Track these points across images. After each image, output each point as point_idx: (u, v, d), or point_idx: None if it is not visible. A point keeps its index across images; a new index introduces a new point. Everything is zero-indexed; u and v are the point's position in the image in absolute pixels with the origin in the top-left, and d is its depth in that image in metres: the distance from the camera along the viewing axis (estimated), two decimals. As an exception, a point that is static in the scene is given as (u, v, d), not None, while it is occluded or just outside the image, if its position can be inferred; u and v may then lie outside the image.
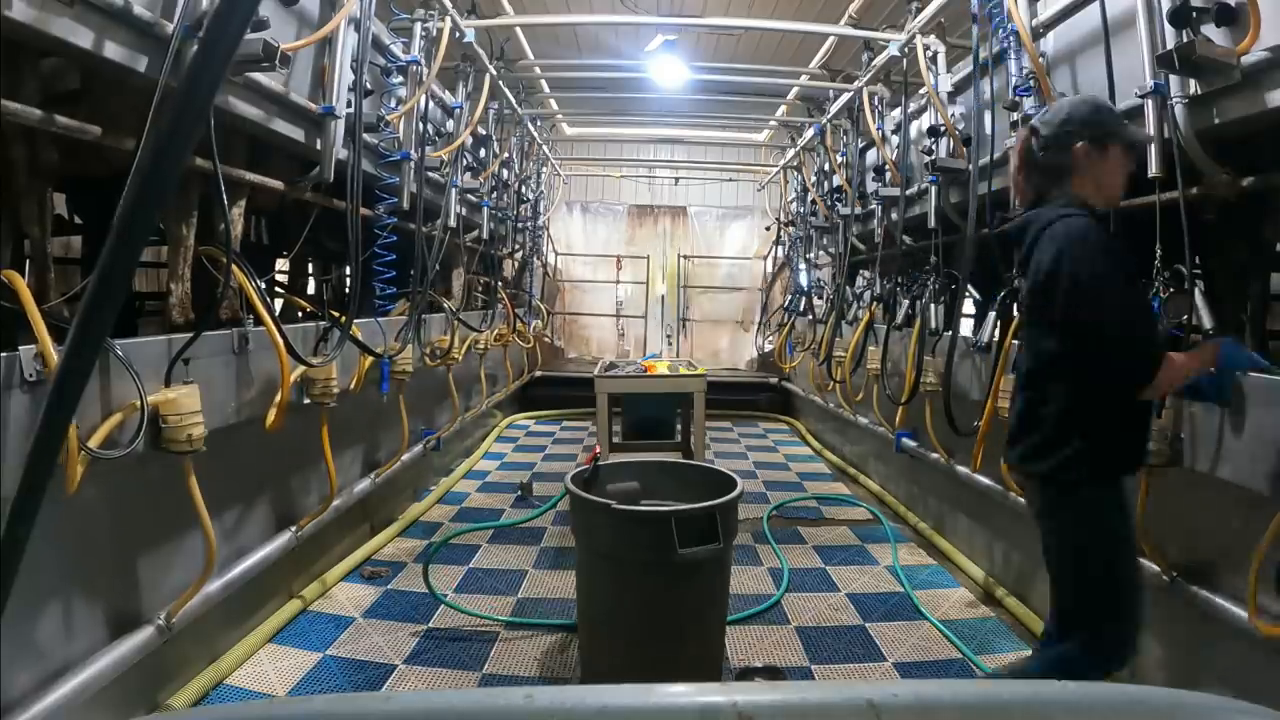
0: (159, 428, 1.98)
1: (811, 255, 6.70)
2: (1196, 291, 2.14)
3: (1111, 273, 1.65)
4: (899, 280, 4.59)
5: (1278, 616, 1.84)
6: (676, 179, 9.92)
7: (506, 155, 5.86)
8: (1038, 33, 2.85)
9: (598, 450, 2.64)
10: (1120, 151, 1.78)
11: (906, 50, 4.03)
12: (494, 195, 5.53)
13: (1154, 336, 1.80)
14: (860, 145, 5.21)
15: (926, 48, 3.80)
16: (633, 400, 5.33)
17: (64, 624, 1.87)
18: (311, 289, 4.68)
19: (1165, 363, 1.64)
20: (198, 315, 2.26)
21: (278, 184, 2.72)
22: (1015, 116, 2.87)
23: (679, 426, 5.45)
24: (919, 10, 3.87)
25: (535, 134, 6.96)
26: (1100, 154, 1.74)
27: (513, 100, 5.68)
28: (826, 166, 5.94)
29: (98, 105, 1.94)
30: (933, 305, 3.88)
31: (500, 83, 5.12)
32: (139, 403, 1.89)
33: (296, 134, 2.68)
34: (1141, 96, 2.21)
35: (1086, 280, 1.64)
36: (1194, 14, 1.98)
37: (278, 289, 3.78)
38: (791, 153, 7.27)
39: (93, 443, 1.74)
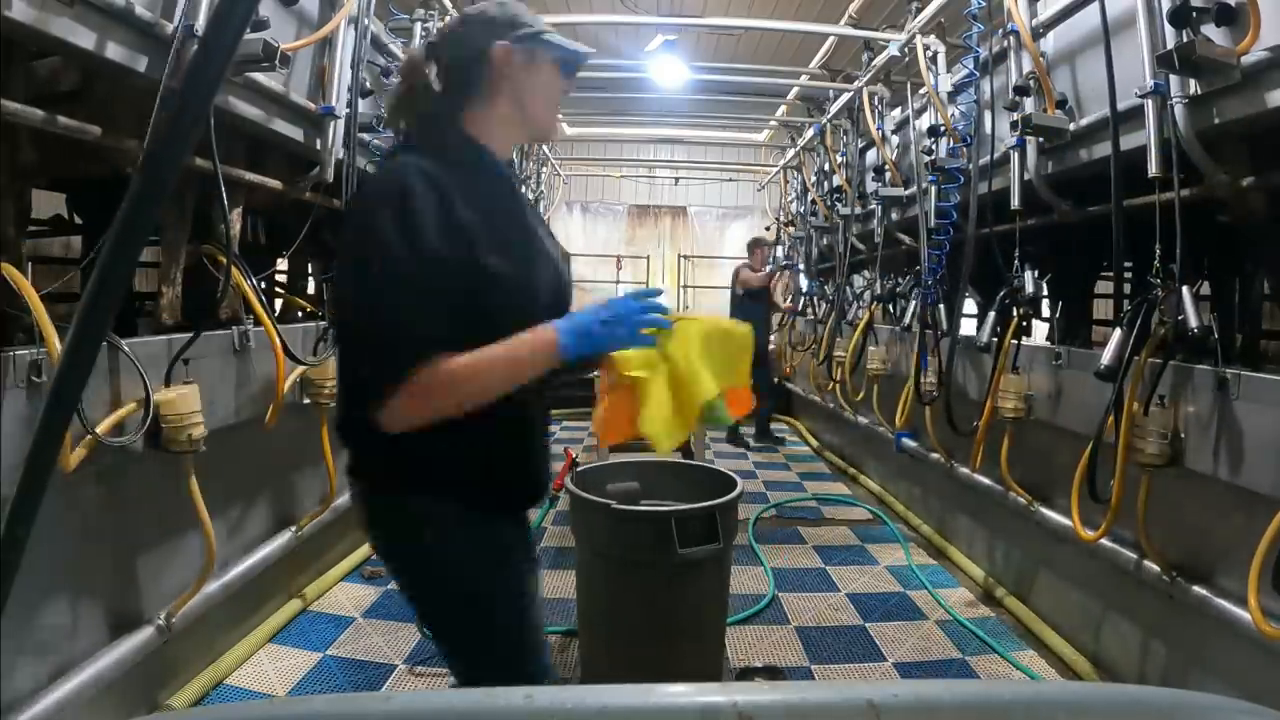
0: (159, 427, 1.98)
1: (806, 266, 6.72)
2: (1184, 290, 2.14)
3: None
4: (898, 280, 4.59)
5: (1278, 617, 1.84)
6: (676, 179, 9.92)
7: (506, 155, 5.85)
8: (1038, 33, 2.85)
9: (571, 454, 2.63)
10: (552, 65, 1.36)
11: (906, 50, 4.03)
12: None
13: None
14: (860, 145, 5.22)
15: (926, 48, 3.80)
16: (633, 400, 5.32)
17: (64, 624, 1.87)
18: (311, 289, 4.67)
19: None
20: (196, 317, 2.26)
21: (277, 184, 2.72)
22: (1015, 116, 2.87)
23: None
24: (919, 10, 3.87)
25: (535, 134, 6.94)
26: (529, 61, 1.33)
27: (513, 100, 5.67)
28: (826, 166, 5.95)
29: (98, 105, 1.94)
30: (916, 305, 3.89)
31: (500, 83, 5.11)
32: (143, 399, 1.89)
33: (296, 134, 2.68)
34: (1141, 96, 2.21)
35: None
36: (1194, 14, 1.98)
37: (277, 288, 3.78)
38: (791, 153, 7.27)
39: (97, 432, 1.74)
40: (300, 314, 3.74)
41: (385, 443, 1.16)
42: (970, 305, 3.65)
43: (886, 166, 4.57)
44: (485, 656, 1.31)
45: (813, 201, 6.36)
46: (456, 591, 1.29)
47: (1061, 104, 2.74)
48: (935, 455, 3.84)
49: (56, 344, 1.63)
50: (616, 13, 5.80)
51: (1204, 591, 2.10)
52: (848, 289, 5.54)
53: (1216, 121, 2.03)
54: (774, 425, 7.41)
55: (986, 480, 3.32)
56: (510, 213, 1.29)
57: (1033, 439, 2.97)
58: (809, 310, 6.65)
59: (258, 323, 2.45)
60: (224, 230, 2.29)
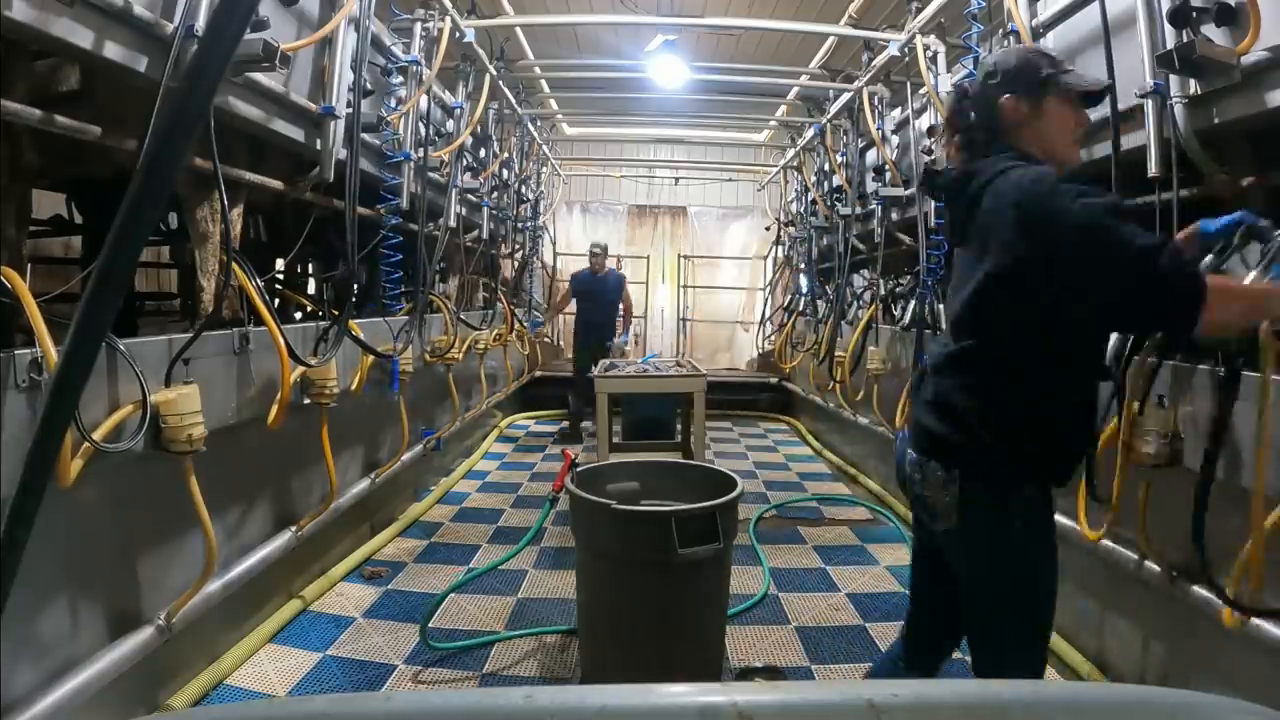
0: (159, 428, 1.98)
1: (807, 264, 6.72)
2: None
3: (1094, 203, 1.27)
4: (898, 280, 4.59)
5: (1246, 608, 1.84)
6: (676, 179, 9.92)
7: (506, 155, 5.86)
8: (1037, 33, 2.85)
9: (570, 455, 2.63)
10: (1059, 103, 1.48)
11: (906, 50, 4.03)
12: (494, 195, 5.53)
13: (1183, 259, 1.27)
14: (860, 145, 5.22)
15: (926, 48, 3.80)
16: (632, 400, 5.33)
17: (64, 624, 1.87)
18: (312, 288, 4.69)
19: (1211, 289, 1.23)
20: (214, 313, 2.26)
21: (278, 184, 2.72)
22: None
23: (679, 426, 5.45)
24: (919, 10, 3.87)
25: (535, 134, 6.96)
26: (1035, 107, 1.48)
27: (513, 100, 5.68)
28: (826, 166, 5.95)
29: (98, 105, 1.94)
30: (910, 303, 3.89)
31: (500, 83, 5.12)
32: (141, 400, 1.89)
33: (296, 134, 2.68)
34: (1141, 96, 2.21)
35: (1068, 216, 1.27)
36: (1194, 14, 1.98)
37: (277, 287, 3.79)
38: (791, 153, 7.28)
39: (95, 438, 1.74)
40: (299, 314, 3.75)
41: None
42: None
43: (886, 166, 4.57)
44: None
45: (813, 201, 6.36)
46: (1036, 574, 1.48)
47: (1061, 104, 2.74)
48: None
49: (53, 350, 1.62)
50: (616, 13, 5.80)
51: (1204, 592, 2.10)
52: (848, 289, 5.54)
53: (1216, 121, 2.03)
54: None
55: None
56: None
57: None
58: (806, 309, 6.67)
59: (258, 322, 2.45)
60: (224, 230, 2.29)
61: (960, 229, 1.52)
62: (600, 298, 6.64)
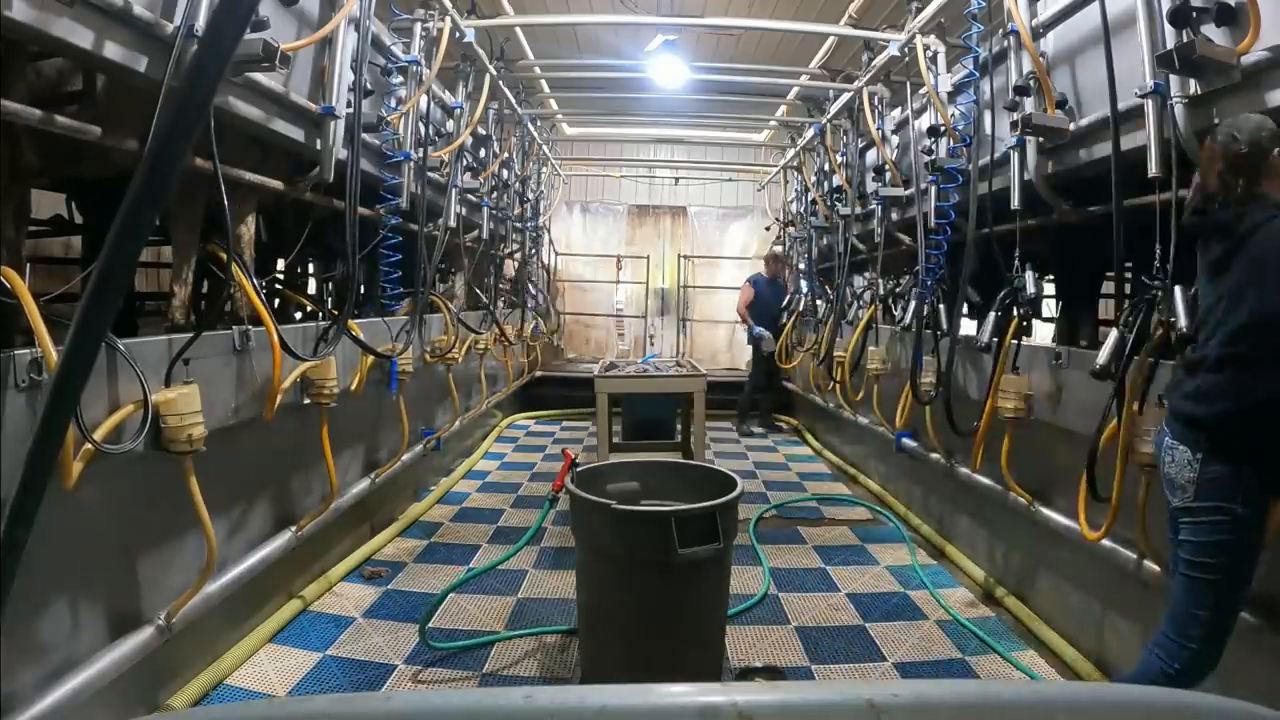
0: (159, 428, 1.98)
1: (807, 264, 6.73)
2: (1177, 291, 2.14)
3: None
4: (898, 280, 4.59)
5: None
6: (676, 179, 9.92)
7: (507, 155, 5.86)
8: (1038, 33, 2.85)
9: (570, 455, 2.63)
10: None
11: (906, 50, 4.03)
12: (494, 195, 5.53)
13: None
14: (860, 145, 5.22)
15: (926, 48, 3.80)
16: (633, 400, 5.33)
17: (64, 624, 1.86)
18: (312, 288, 4.69)
19: None
20: (199, 316, 2.27)
21: (278, 184, 2.72)
22: (1015, 116, 2.88)
23: (679, 426, 5.45)
24: (919, 10, 3.87)
25: (535, 134, 6.96)
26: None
27: (513, 100, 5.68)
28: (826, 166, 5.95)
29: (99, 105, 1.95)
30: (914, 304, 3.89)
31: (500, 83, 5.12)
32: (142, 400, 1.89)
33: (296, 134, 2.68)
34: (1141, 96, 2.22)
35: None
36: (1194, 14, 1.98)
37: (278, 286, 3.78)
38: (791, 153, 7.28)
39: (96, 438, 1.74)
40: (300, 314, 3.75)
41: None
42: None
43: (886, 166, 4.57)
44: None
45: (813, 201, 6.36)
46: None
47: (1061, 104, 2.74)
48: (935, 455, 3.84)
49: (53, 350, 1.62)
50: (616, 13, 5.80)
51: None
52: (848, 289, 5.55)
53: (1216, 121, 2.03)
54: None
55: (987, 480, 3.32)
56: None
57: (1033, 439, 2.97)
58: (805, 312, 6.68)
59: (257, 322, 2.45)
60: (229, 231, 2.29)
61: (1224, 261, 1.77)
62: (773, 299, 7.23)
